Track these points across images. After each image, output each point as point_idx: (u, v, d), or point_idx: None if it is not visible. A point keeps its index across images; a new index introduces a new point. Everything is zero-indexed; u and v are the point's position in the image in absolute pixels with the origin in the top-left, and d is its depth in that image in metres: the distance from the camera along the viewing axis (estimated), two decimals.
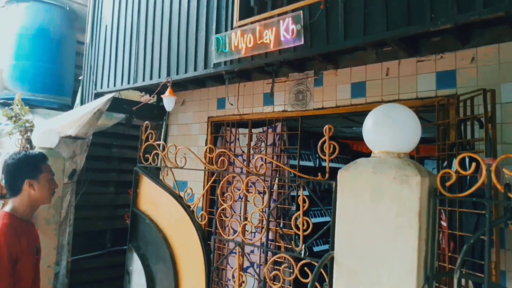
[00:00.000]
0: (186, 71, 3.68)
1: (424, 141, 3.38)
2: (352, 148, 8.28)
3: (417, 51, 3.22)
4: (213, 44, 3.34)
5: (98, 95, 4.69)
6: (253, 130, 4.49)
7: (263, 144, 4.48)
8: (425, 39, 3.16)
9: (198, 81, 4.52)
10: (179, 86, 4.70)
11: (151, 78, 4.06)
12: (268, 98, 4.18)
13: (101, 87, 4.68)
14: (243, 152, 4.52)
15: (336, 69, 3.68)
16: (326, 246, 7.11)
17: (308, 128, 6.08)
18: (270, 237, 4.13)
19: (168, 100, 3.68)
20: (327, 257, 1.52)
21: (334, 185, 1.63)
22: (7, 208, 2.13)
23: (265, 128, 4.48)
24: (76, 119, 4.55)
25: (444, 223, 2.76)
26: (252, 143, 4.44)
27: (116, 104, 4.68)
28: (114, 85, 4.48)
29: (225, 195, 4.02)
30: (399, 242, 1.38)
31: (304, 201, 1.75)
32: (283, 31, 2.85)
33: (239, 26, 3.17)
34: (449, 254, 2.67)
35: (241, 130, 4.58)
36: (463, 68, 3.03)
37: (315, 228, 1.80)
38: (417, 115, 1.56)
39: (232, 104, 4.02)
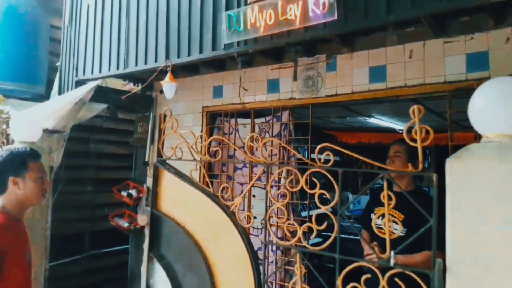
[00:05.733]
0: (189, 54, 3.28)
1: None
2: (337, 140, 8.13)
3: (444, 31, 2.99)
4: (224, 22, 2.96)
5: (79, 83, 4.19)
6: (255, 120, 4.16)
7: (266, 135, 4.16)
8: (453, 19, 2.94)
9: (191, 67, 4.10)
10: (164, 74, 4.24)
11: (145, 62, 3.61)
12: (273, 85, 3.85)
13: (84, 74, 4.17)
14: (244, 144, 4.17)
15: (352, 52, 3.41)
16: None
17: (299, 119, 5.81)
18: (279, 234, 3.83)
19: (169, 87, 3.27)
20: (438, 266, 1.24)
21: (434, 179, 1.35)
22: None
23: (268, 118, 4.16)
24: (55, 110, 4.04)
25: None
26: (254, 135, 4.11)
27: (100, 93, 4.20)
28: (100, 71, 3.99)
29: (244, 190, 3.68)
30: None
31: (390, 198, 1.46)
32: (312, 5, 2.52)
33: (256, 1, 2.81)
34: None
35: (240, 120, 4.23)
36: (496, 49, 2.83)
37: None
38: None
39: (247, 90, 3.66)
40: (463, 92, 2.99)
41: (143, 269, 4.90)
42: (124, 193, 4.83)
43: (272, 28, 2.73)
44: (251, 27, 2.81)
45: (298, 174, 1.68)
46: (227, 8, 3.03)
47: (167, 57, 3.41)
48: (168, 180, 2.07)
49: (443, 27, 2.95)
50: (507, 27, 2.78)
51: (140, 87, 4.91)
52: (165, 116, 2.20)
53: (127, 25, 3.74)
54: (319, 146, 1.59)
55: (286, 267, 3.61)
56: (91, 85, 3.85)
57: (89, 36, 4.14)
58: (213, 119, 4.39)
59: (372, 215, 2.97)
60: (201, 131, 4.39)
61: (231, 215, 1.83)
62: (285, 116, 3.93)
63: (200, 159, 1.99)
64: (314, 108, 3.80)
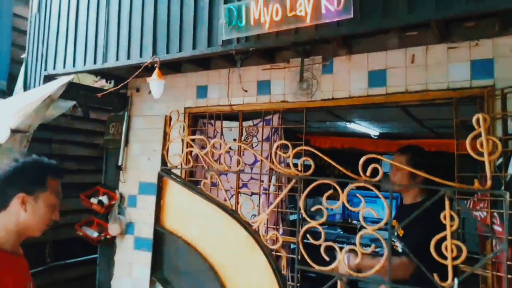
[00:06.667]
0: (180, 49, 2.98)
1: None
2: (310, 144, 8.02)
3: (448, 36, 2.91)
4: (223, 16, 2.71)
5: (49, 78, 3.75)
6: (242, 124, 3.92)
7: (254, 139, 3.94)
8: (458, 24, 2.86)
9: (172, 64, 3.79)
10: (144, 71, 3.91)
11: (128, 57, 3.27)
12: (263, 87, 3.64)
13: (54, 68, 3.74)
14: (230, 148, 3.93)
15: (350, 54, 3.26)
16: None
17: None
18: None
19: (157, 85, 2.97)
20: None
21: (507, 197, 1.20)
22: None
23: (256, 121, 3.94)
24: (20, 108, 3.60)
25: (498, 228, 2.49)
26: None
27: (71, 90, 3.80)
28: (74, 65, 3.59)
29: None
30: None
31: (452, 218, 1.29)
32: (325, 1, 2.33)
33: None
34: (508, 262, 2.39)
35: (225, 123, 3.98)
36: (502, 57, 2.78)
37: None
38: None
39: (246, 91, 3.40)
40: (467, 100, 2.93)
41: (114, 282, 4.54)
42: (94, 200, 4.44)
43: (279, 25, 2.51)
44: (254, 22, 2.58)
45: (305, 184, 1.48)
46: (225, 1, 2.78)
47: (155, 52, 3.10)
48: (174, 192, 1.79)
49: (449, 32, 2.87)
50: None
51: (112, 84, 4.55)
52: (170, 118, 1.93)
53: (107, 15, 3.39)
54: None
55: None
56: (63, 80, 3.46)
57: (61, 25, 3.73)
58: (196, 121, 4.11)
59: None
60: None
61: (254, 234, 1.59)
62: (275, 119, 3.72)
63: (213, 167, 1.73)
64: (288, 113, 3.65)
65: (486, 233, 2.57)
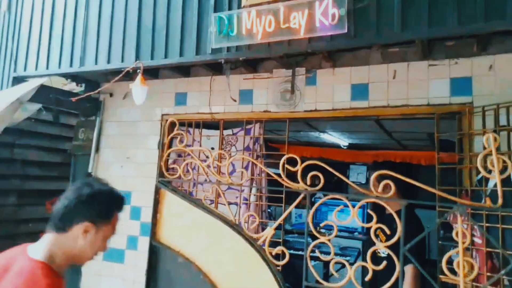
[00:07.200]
0: (166, 56, 2.90)
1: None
2: (280, 152, 8.06)
3: (429, 54, 3.02)
4: (213, 24, 2.66)
5: (18, 80, 3.53)
6: (218, 132, 3.86)
7: (233, 149, 3.90)
8: (438, 43, 2.98)
9: (149, 70, 3.68)
10: (117, 75, 3.76)
11: (108, 62, 3.13)
12: (245, 96, 3.61)
13: (25, 69, 3.52)
14: (207, 157, 3.86)
15: (334, 67, 3.31)
16: None
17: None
18: None
19: (139, 91, 2.86)
20: None
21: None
22: (42, 254, 1.45)
23: (236, 130, 3.90)
24: None
25: (478, 240, 2.58)
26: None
27: (41, 93, 3.60)
28: (47, 67, 3.39)
29: None
30: None
31: (464, 235, 1.31)
32: (319, 15, 2.35)
33: (253, 5, 2.56)
34: (488, 273, 2.48)
35: (204, 131, 3.90)
36: (480, 76, 2.91)
37: None
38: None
39: (235, 101, 3.34)
40: (446, 115, 3.04)
41: None
42: None
43: (272, 36, 2.50)
44: (246, 32, 2.56)
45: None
46: (216, 9, 2.74)
47: (138, 57, 2.99)
48: (172, 204, 1.72)
49: (430, 50, 2.98)
50: (491, 54, 2.88)
51: (83, 87, 4.36)
52: (171, 125, 1.85)
53: (85, 17, 3.24)
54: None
55: None
56: (35, 83, 3.27)
57: (34, 25, 3.52)
58: (173, 129, 4.00)
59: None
60: (159, 141, 3.98)
61: (260, 250, 1.55)
62: (255, 129, 3.70)
63: (217, 180, 1.68)
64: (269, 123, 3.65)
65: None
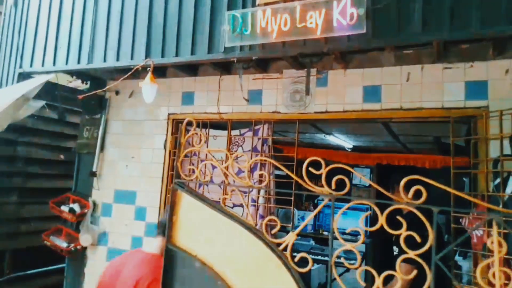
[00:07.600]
0: (177, 54, 2.84)
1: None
2: (283, 153, 8.00)
3: (444, 57, 2.97)
4: (227, 22, 2.60)
5: (24, 76, 3.47)
6: (225, 132, 3.81)
7: (239, 149, 3.84)
8: (454, 45, 2.93)
9: (156, 69, 3.62)
10: (124, 73, 3.67)
11: (117, 59, 3.08)
12: (255, 96, 3.55)
13: (31, 65, 3.46)
14: (213, 157, 3.79)
15: (346, 69, 3.25)
16: None
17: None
18: None
19: (149, 89, 2.80)
20: None
21: None
22: (158, 250, 1.98)
23: (243, 131, 3.85)
24: None
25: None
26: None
27: (47, 90, 3.54)
28: (54, 64, 3.33)
29: None
30: None
31: (500, 244, 1.26)
32: (337, 14, 2.29)
33: (268, 3, 2.50)
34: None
35: (211, 131, 3.84)
36: (496, 79, 2.86)
37: None
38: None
39: (248, 101, 3.29)
40: (461, 119, 3.00)
41: None
42: (64, 208, 4.14)
43: (287, 35, 2.44)
44: (260, 31, 2.50)
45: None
46: (230, 7, 2.68)
47: (148, 55, 2.93)
48: (189, 207, 1.66)
49: (445, 53, 2.92)
50: (508, 58, 2.82)
51: (89, 84, 4.30)
52: (187, 125, 1.79)
53: (94, 12, 3.17)
54: None
55: None
56: (41, 79, 3.21)
57: (41, 21, 3.46)
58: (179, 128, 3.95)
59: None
60: (165, 141, 3.93)
61: (281, 256, 1.50)
62: (264, 130, 3.64)
63: (227, 182, 1.62)
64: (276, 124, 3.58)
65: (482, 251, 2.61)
